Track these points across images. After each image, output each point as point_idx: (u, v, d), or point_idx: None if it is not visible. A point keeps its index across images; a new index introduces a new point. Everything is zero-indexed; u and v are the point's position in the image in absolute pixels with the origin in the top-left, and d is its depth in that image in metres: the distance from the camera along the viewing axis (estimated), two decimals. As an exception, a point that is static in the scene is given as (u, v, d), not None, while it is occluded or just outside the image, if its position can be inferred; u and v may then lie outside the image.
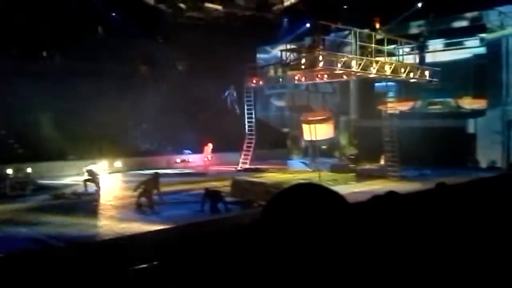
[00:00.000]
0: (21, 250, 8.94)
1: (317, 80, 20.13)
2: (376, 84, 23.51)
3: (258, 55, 28.58)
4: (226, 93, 24.65)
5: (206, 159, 22.63)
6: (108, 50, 25.89)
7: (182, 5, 25.49)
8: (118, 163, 21.85)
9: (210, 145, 22.32)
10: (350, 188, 15.12)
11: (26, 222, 11.47)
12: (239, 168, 21.94)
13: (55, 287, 6.34)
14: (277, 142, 26.39)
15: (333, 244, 1.18)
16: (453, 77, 22.18)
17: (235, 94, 24.05)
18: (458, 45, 24.27)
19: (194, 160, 24.04)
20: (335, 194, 1.29)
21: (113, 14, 27.78)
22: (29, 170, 17.75)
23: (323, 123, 21.15)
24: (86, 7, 25.21)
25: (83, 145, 21.04)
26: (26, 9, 22.84)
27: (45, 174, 18.84)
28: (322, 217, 1.22)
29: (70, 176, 19.22)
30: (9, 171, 17.22)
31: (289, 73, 19.79)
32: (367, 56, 17.97)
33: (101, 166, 18.99)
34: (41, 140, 21.30)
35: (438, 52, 24.18)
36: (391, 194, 2.95)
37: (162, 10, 26.00)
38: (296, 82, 20.99)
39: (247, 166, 22.06)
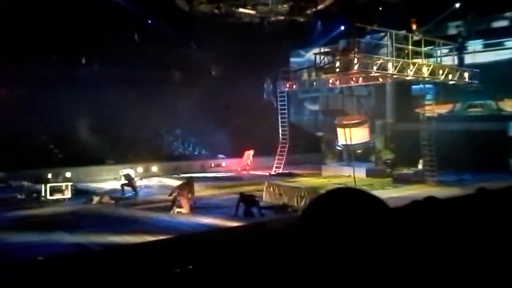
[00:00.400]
0: (60, 254, 9.16)
1: (352, 83, 19.88)
2: (413, 87, 23.03)
3: (291, 59, 28.49)
4: (264, 86, 24.48)
5: (245, 164, 22.81)
6: (143, 57, 26.40)
7: (216, 11, 25.71)
8: (154, 168, 22.17)
9: (252, 151, 22.55)
10: (387, 193, 14.82)
11: (65, 225, 11.74)
12: (272, 173, 21.88)
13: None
14: (311, 146, 26.21)
15: (373, 249, 1.14)
16: (493, 79, 21.47)
17: (271, 87, 23.95)
18: (498, 45, 23.51)
19: (228, 164, 24.16)
20: (376, 198, 1.24)
21: (149, 21, 28.31)
22: (68, 174, 18.24)
23: (358, 126, 20.82)
24: (123, 15, 25.79)
25: (119, 150, 21.47)
26: (65, 17, 23.52)
27: (84, 179, 19.31)
28: (362, 222, 1.18)
29: (108, 181, 19.62)
30: (49, 175, 17.73)
31: (323, 76, 19.62)
32: (403, 58, 17.61)
33: (137, 171, 19.34)
34: (79, 145, 21.87)
35: (478, 53, 23.49)
36: (430, 199, 2.84)
37: (196, 15, 26.29)
38: (330, 85, 20.79)
39: (280, 170, 21.98)
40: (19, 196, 15.49)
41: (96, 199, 15.46)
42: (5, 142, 19.74)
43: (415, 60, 18.06)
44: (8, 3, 22.37)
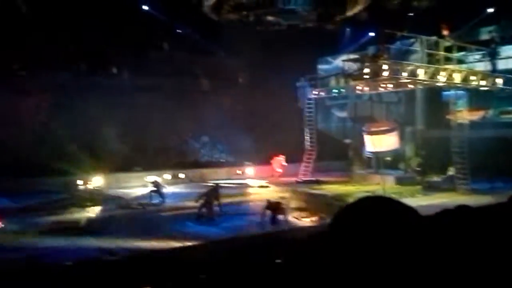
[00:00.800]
0: (88, 259, 9.26)
1: (381, 90, 19.62)
2: (445, 93, 22.58)
3: (319, 66, 28.34)
4: (298, 85, 24.31)
5: (278, 170, 22.84)
6: (172, 65, 26.72)
7: (244, 19, 25.84)
8: (181, 175, 22.32)
9: (282, 157, 22.58)
10: (417, 201, 14.49)
11: (93, 231, 11.89)
12: (299, 180, 21.73)
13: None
14: (338, 153, 25.95)
15: (404, 258, 1.08)
16: (527, 85, 20.84)
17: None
18: (533, 51, 22.83)
19: (255, 171, 24.14)
20: (407, 207, 1.17)
21: (177, 30, 28.67)
22: (97, 181, 18.53)
23: (387, 134, 20.51)
24: (152, 24, 26.20)
25: (147, 157, 21.71)
26: (96, 26, 24.02)
27: (112, 185, 19.57)
28: (394, 231, 1.11)
29: (135, 187, 19.84)
30: (79, 182, 18.06)
31: (352, 83, 19.44)
32: (434, 64, 17.29)
33: (164, 178, 19.51)
34: (108, 153, 22.21)
35: (511, 58, 22.87)
36: (461, 208, 2.72)
37: (224, 24, 26.49)
38: (358, 92, 20.57)
39: (307, 178, 21.81)
40: (49, 202, 15.77)
41: (124, 205, 15.62)
42: (36, 149, 20.22)
43: (446, 66, 17.71)
44: (41, 12, 23.01)
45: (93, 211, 15.03)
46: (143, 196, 17.11)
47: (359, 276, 1.15)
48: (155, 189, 16.71)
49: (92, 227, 12.32)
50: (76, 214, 14.43)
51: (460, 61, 19.10)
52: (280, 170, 22.86)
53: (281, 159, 22.75)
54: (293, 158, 23.29)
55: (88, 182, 17.83)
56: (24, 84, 23.31)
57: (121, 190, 19.21)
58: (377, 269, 1.12)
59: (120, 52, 25.85)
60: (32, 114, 22.58)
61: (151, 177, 17.47)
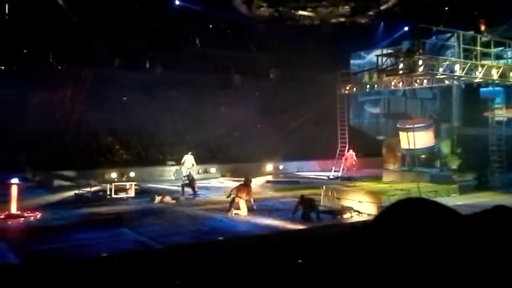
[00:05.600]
0: (123, 251, 9.48)
1: (416, 86, 19.25)
2: (482, 89, 21.94)
3: (351, 61, 28.02)
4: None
5: (350, 164, 22.88)
6: (204, 61, 26.94)
7: (275, 14, 25.78)
8: (212, 169, 22.51)
9: (352, 152, 22.65)
10: (453, 201, 14.18)
11: (127, 223, 12.14)
12: (331, 177, 21.59)
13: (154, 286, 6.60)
14: (371, 150, 25.64)
15: (444, 258, 1.08)
16: None
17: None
18: None
19: (286, 167, 24.14)
20: (448, 209, 1.17)
21: (209, 25, 28.86)
22: (132, 174, 18.91)
23: (422, 130, 20.08)
24: (184, 20, 26.45)
25: (180, 152, 22.03)
26: (130, 21, 24.45)
27: (147, 179, 19.92)
28: (435, 232, 1.12)
29: (169, 181, 20.13)
30: (114, 175, 18.46)
31: (385, 78, 19.13)
32: (471, 60, 16.83)
33: (197, 172, 19.75)
34: (143, 146, 22.61)
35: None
36: (499, 208, 2.66)
37: (255, 19, 26.49)
38: (392, 88, 20.23)
39: (339, 174, 21.65)
40: (85, 195, 16.19)
41: (158, 198, 15.89)
42: (73, 142, 20.77)
43: (484, 62, 17.20)
44: (78, 8, 23.55)
45: (128, 204, 15.35)
46: (176, 190, 17.38)
47: (400, 275, 1.15)
48: (187, 182, 16.95)
49: (127, 220, 12.58)
50: (111, 206, 14.76)
51: (498, 57, 18.52)
52: (354, 163, 22.98)
53: (353, 154, 22.79)
54: (327, 154, 23.18)
55: (123, 175, 18.23)
56: (60, 78, 23.98)
57: (155, 184, 19.54)
58: (420, 269, 1.13)
59: (154, 48, 26.23)
60: (69, 108, 23.21)
61: (186, 172, 17.72)
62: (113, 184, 16.69)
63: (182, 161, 20.10)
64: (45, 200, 15.67)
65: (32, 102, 22.10)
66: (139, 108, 23.31)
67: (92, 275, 7.52)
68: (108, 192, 16.36)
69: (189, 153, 20.34)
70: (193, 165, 19.96)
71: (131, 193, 16.48)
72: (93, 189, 16.84)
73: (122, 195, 16.24)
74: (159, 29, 25.65)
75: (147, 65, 27.89)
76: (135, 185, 17.06)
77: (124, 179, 17.98)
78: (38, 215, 13.06)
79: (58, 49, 24.39)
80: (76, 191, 16.61)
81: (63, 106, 23.05)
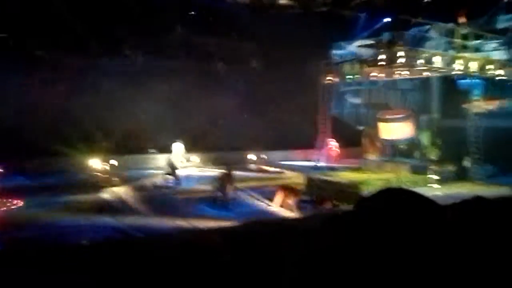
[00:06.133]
0: (104, 239, 9.45)
1: (396, 77, 19.46)
2: (461, 81, 22.30)
3: (333, 51, 28.11)
4: None
5: (333, 151, 22.99)
6: (185, 48, 26.71)
7: (257, 1, 25.67)
8: (196, 158, 22.48)
9: (334, 141, 22.80)
10: (432, 191, 14.48)
11: (109, 212, 12.09)
12: (312, 166, 21.76)
13: (133, 276, 6.61)
14: (352, 140, 25.87)
15: (424, 248, 1.13)
16: (546, 74, 20.47)
17: None
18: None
19: (269, 156, 24.24)
20: (427, 200, 1.22)
21: (192, 12, 28.60)
22: (114, 162, 18.79)
23: (402, 121, 20.38)
24: (166, 6, 26.14)
25: (163, 140, 21.90)
26: (111, 9, 24.06)
27: (129, 167, 19.78)
28: (414, 223, 1.16)
29: (151, 169, 20.05)
30: (95, 163, 18.32)
31: (366, 69, 19.29)
32: (450, 52, 17.08)
33: (180, 160, 19.73)
34: (125, 135, 22.43)
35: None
36: (478, 199, 2.75)
37: (238, 7, 26.36)
38: (373, 79, 20.43)
39: (320, 164, 21.83)
40: (67, 182, 16.04)
41: (139, 187, 15.84)
42: (54, 130, 20.48)
43: (463, 54, 17.48)
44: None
45: (110, 192, 15.25)
46: (158, 178, 17.33)
47: (380, 264, 1.20)
48: (170, 171, 16.90)
49: (108, 208, 12.52)
50: (92, 194, 14.66)
51: (477, 49, 18.83)
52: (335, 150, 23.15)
53: (335, 143, 22.93)
54: (307, 143, 23.32)
55: (105, 163, 18.09)
56: (40, 65, 23.54)
57: (136, 172, 19.44)
58: (399, 259, 1.17)
59: (135, 34, 25.87)
60: (50, 96, 22.84)
61: (168, 160, 17.69)
62: (95, 172, 16.57)
63: (172, 149, 20.51)
64: (27, 187, 15.50)
65: (10, 90, 21.69)
66: (120, 95, 23.04)
67: (72, 263, 7.48)
68: (90, 180, 16.23)
69: (177, 141, 20.74)
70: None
71: (114, 182, 16.36)
72: (75, 177, 16.69)
73: (104, 183, 16.12)
74: (141, 15, 25.29)
75: (129, 52, 27.53)
76: (117, 173, 16.97)
77: (106, 167, 17.83)
78: (19, 203, 12.92)
79: (37, 35, 23.90)
80: (58, 179, 16.44)
81: (43, 93, 22.66)
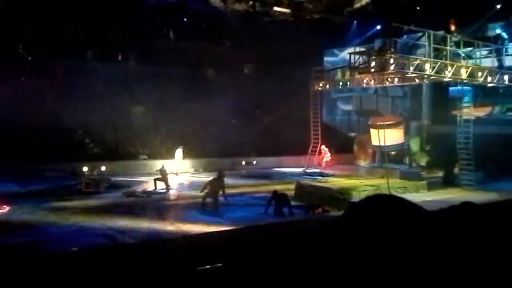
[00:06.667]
0: (93, 245, 9.37)
1: (387, 84, 19.57)
2: (451, 88, 22.47)
3: (325, 58, 28.26)
4: None
5: (326, 159, 22.99)
6: (178, 54, 26.71)
7: (250, 9, 25.75)
8: (186, 164, 22.42)
9: (325, 148, 22.84)
10: (421, 197, 14.54)
11: (98, 218, 12.00)
12: (303, 172, 21.78)
13: (122, 281, 6.56)
14: (343, 146, 25.97)
15: (410, 254, 1.14)
16: (535, 82, 20.71)
17: None
18: (541, 48, 22.62)
19: (260, 162, 24.24)
20: (414, 206, 1.23)
21: (184, 18, 28.62)
22: (103, 168, 18.65)
23: (393, 128, 20.48)
24: (159, 13, 26.15)
25: (153, 146, 21.83)
26: (102, 14, 24.02)
27: (118, 173, 19.68)
28: (401, 228, 1.17)
29: (141, 175, 19.96)
30: (85, 169, 18.19)
31: (357, 76, 19.37)
32: (441, 59, 17.21)
33: (171, 166, 19.67)
34: (114, 141, 22.32)
35: (519, 55, 22.68)
36: (466, 204, 2.77)
37: (230, 14, 26.43)
38: (364, 85, 20.53)
39: (312, 170, 21.85)
40: (55, 188, 15.91)
41: (129, 192, 15.73)
42: (43, 135, 20.33)
43: (453, 62, 17.63)
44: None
45: (99, 198, 15.15)
46: (148, 184, 17.25)
47: (366, 269, 1.21)
48: (160, 177, 16.82)
49: (97, 214, 12.42)
50: (81, 200, 14.55)
51: (468, 57, 19.00)
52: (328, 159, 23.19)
53: (326, 150, 22.99)
54: (300, 150, 23.35)
55: (94, 169, 17.97)
56: (31, 69, 23.42)
57: (127, 178, 19.34)
58: (386, 263, 1.18)
59: (127, 40, 25.84)
60: (38, 100, 22.71)
61: (159, 166, 17.63)
62: (83, 177, 16.45)
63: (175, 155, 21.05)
64: (14, 192, 15.35)
65: (0, 94, 21.54)
66: (111, 101, 22.95)
67: (62, 270, 7.40)
68: (78, 186, 16.11)
69: (180, 147, 21.17)
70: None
71: (102, 188, 16.25)
72: (64, 183, 16.55)
73: (93, 189, 16.00)
74: (133, 21, 25.26)
75: (120, 57, 27.47)
76: (106, 179, 16.85)
77: (95, 173, 17.71)
78: (6, 208, 12.78)
79: (29, 39, 23.77)
80: (47, 185, 16.30)
81: (32, 98, 22.52)
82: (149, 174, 19.02)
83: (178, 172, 20.90)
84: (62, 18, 23.29)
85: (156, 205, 14.20)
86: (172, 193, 16.44)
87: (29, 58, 24.13)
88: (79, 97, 22.55)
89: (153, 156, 22.09)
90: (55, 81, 23.60)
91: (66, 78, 23.33)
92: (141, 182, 18.36)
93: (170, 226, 11.40)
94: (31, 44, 23.82)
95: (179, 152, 21.26)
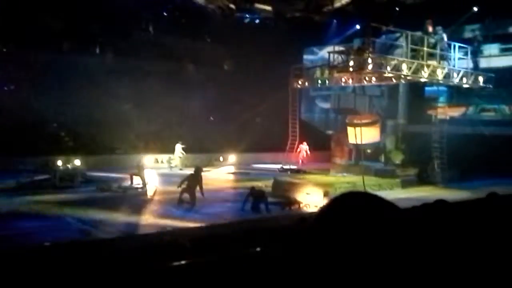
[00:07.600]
0: (67, 240, 9.23)
1: (365, 83, 19.77)
2: (427, 88, 22.82)
3: (304, 56, 28.35)
4: None
5: (302, 156, 23.11)
6: (157, 48, 26.44)
7: (231, 5, 25.64)
8: (163, 159, 22.27)
9: (305, 145, 22.95)
10: (395, 194, 14.76)
11: (73, 212, 11.83)
12: (280, 169, 21.86)
13: (97, 278, 6.47)
14: (320, 144, 26.14)
15: (384, 252, 1.14)
16: (508, 83, 21.20)
17: None
18: (515, 50, 23.14)
19: (238, 159, 24.22)
20: (389, 204, 1.23)
21: (164, 13, 28.34)
22: (77, 162, 18.38)
23: (369, 126, 20.72)
24: (138, 6, 25.81)
25: (129, 140, 21.59)
26: (80, 5, 23.60)
27: (93, 167, 19.42)
28: (375, 226, 1.17)
29: (117, 170, 19.74)
30: (59, 162, 17.88)
31: (336, 75, 19.52)
32: (418, 60, 17.47)
33: (147, 161, 19.50)
34: (90, 134, 22.00)
35: (494, 57, 23.18)
36: (440, 202, 2.81)
37: (211, 9, 26.25)
38: (342, 84, 20.70)
39: (289, 166, 21.95)
40: (29, 182, 15.59)
41: (105, 187, 15.54)
42: (16, 128, 19.91)
43: (429, 62, 17.90)
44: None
45: (73, 192, 14.93)
46: (124, 179, 17.05)
47: (339, 268, 1.20)
48: (135, 172, 16.64)
49: (72, 209, 12.25)
50: (55, 195, 14.31)
51: (443, 58, 19.31)
52: (305, 156, 23.31)
53: (305, 147, 23.08)
54: (278, 147, 23.42)
55: (69, 163, 17.67)
56: (4, 62, 22.86)
57: (102, 173, 19.08)
58: (358, 263, 1.18)
59: (105, 33, 25.44)
60: (12, 92, 22.21)
61: (137, 161, 17.45)
62: (57, 172, 16.18)
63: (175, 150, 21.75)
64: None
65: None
66: (86, 94, 22.58)
67: (35, 264, 7.30)
68: (52, 180, 15.83)
69: (179, 142, 21.71)
70: (182, 154, 21.79)
71: (77, 182, 16.03)
72: (38, 177, 16.22)
73: (67, 183, 15.76)
74: (112, 14, 24.86)
75: (98, 50, 27.03)
76: (81, 173, 16.62)
77: (69, 167, 17.42)
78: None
79: (3, 30, 23.19)
80: (19, 179, 15.94)
81: (6, 90, 22.02)
82: (125, 169, 18.83)
83: (177, 166, 21.48)
84: (38, 9, 22.77)
85: (132, 201, 14.06)
86: (149, 188, 16.29)
87: (4, 50, 23.55)
88: (55, 90, 22.13)
89: (128, 150, 21.87)
90: (30, 73, 23.09)
91: (41, 70, 22.85)
92: (117, 177, 18.14)
93: (145, 222, 11.32)
94: (5, 35, 23.23)
95: (178, 147, 21.55)
